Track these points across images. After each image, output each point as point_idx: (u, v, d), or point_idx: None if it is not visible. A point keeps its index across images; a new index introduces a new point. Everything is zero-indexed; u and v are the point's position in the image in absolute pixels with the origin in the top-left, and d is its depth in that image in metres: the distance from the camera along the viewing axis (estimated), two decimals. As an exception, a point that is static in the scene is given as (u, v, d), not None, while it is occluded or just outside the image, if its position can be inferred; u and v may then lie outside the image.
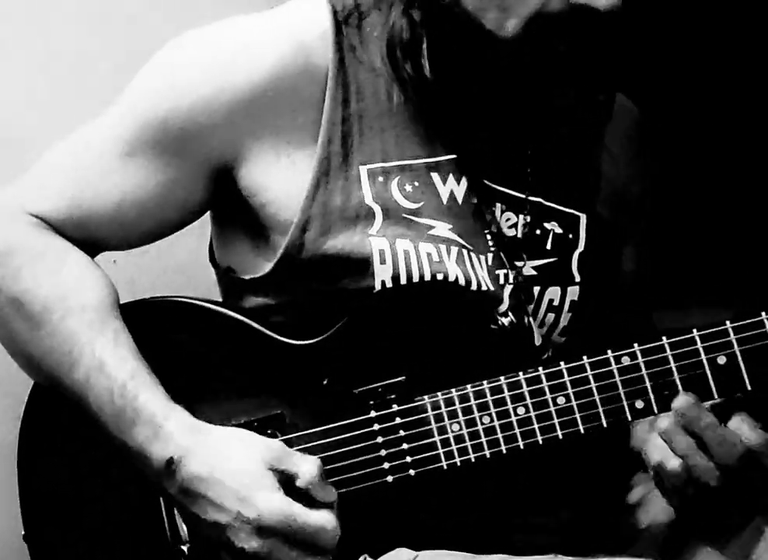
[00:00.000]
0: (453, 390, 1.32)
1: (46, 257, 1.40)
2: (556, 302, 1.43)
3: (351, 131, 1.38)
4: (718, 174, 2.10)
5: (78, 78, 1.81)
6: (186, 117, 1.38)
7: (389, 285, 1.35)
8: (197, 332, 1.40)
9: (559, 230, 1.45)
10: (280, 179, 1.38)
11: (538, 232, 1.44)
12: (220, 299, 1.50)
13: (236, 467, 1.27)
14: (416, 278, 1.35)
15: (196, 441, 1.29)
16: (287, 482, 1.27)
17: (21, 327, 1.38)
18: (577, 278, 1.44)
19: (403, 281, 1.35)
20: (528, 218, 1.43)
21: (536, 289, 1.42)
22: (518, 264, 1.41)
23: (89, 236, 1.43)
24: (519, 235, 1.42)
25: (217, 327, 1.40)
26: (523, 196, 1.43)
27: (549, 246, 1.44)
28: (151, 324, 1.40)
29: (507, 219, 1.43)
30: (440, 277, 1.35)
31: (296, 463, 1.27)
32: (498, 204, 1.42)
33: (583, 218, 1.47)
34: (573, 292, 1.44)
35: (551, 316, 1.43)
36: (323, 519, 1.26)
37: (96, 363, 1.33)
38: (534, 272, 1.42)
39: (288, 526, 1.24)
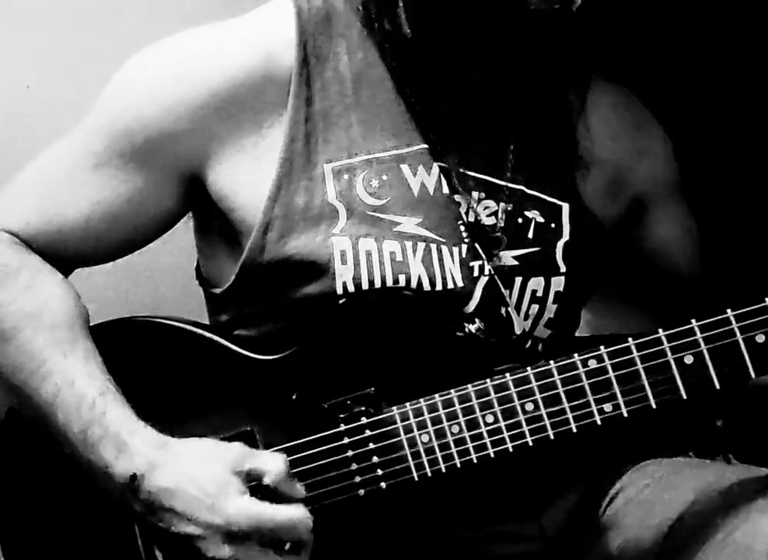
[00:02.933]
0: (422, 400, 1.30)
1: (19, 274, 1.39)
2: (539, 293, 1.40)
3: (316, 129, 1.37)
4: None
5: (77, 79, 1.81)
6: (150, 125, 1.38)
7: (350, 287, 1.33)
8: (165, 352, 1.39)
9: (541, 219, 1.42)
10: (247, 182, 1.37)
11: (519, 220, 1.41)
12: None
13: (201, 475, 1.25)
14: (377, 282, 1.33)
15: (161, 455, 1.27)
16: (253, 482, 1.25)
17: None
18: (563, 269, 1.41)
19: (365, 285, 1.33)
20: (510, 207, 1.41)
21: (518, 280, 1.39)
22: (496, 252, 1.38)
23: (63, 251, 1.42)
24: (501, 223, 1.40)
25: (186, 345, 1.39)
26: (502, 183, 1.41)
27: (531, 235, 1.41)
28: (120, 345, 1.39)
29: (486, 207, 1.40)
30: (402, 279, 1.33)
31: (261, 461, 1.26)
32: (475, 193, 1.40)
33: (565, 207, 1.43)
34: (558, 282, 1.40)
35: (535, 307, 1.40)
36: (294, 513, 1.24)
37: (66, 379, 1.32)
38: (515, 262, 1.39)
39: (258, 527, 1.22)
